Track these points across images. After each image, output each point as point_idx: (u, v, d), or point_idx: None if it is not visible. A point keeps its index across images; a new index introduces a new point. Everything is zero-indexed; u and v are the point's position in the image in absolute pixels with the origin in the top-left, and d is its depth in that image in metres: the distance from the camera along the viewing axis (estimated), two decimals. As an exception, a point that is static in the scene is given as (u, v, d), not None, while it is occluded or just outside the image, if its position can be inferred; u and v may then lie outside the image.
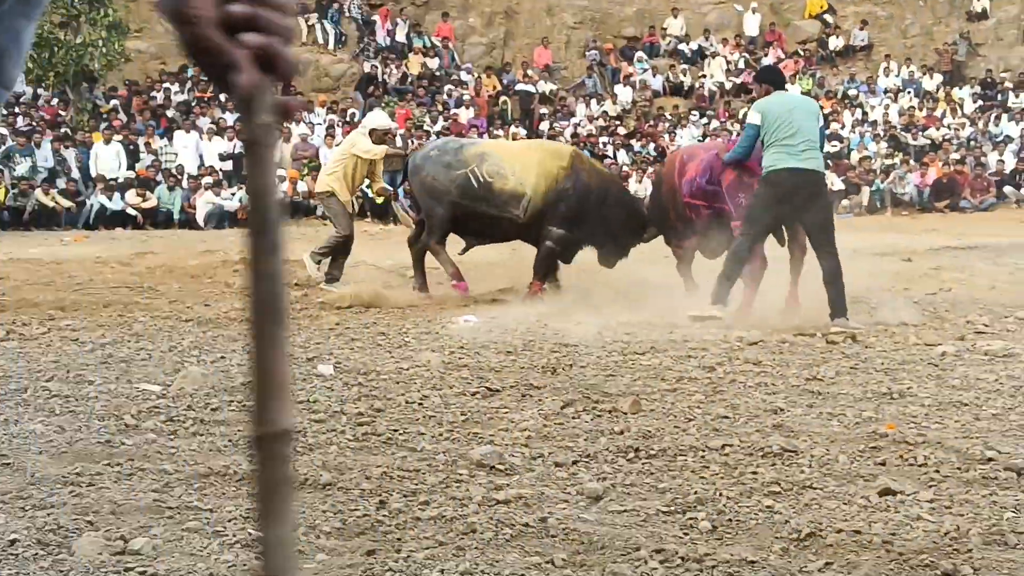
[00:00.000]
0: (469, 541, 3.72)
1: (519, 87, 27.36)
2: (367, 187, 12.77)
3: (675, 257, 10.39)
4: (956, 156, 23.05)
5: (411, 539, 3.75)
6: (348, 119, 24.94)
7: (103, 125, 23.08)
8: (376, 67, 26.92)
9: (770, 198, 8.48)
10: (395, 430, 5.28)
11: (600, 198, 10.41)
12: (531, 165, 10.32)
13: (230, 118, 23.87)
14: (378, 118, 12.04)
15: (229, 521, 3.94)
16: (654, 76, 28.16)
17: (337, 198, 11.23)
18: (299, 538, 3.79)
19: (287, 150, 23.29)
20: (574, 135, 25.66)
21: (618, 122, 25.90)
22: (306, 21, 27.86)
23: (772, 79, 9.15)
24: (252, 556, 3.61)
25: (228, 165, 22.51)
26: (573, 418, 5.57)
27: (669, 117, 26.17)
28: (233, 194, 21.13)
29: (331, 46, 27.84)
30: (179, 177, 21.23)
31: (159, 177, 21.40)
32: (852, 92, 27.54)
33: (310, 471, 4.55)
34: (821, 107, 25.73)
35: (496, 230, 10.63)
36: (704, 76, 28.41)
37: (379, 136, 11.26)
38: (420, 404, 5.86)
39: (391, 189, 13.33)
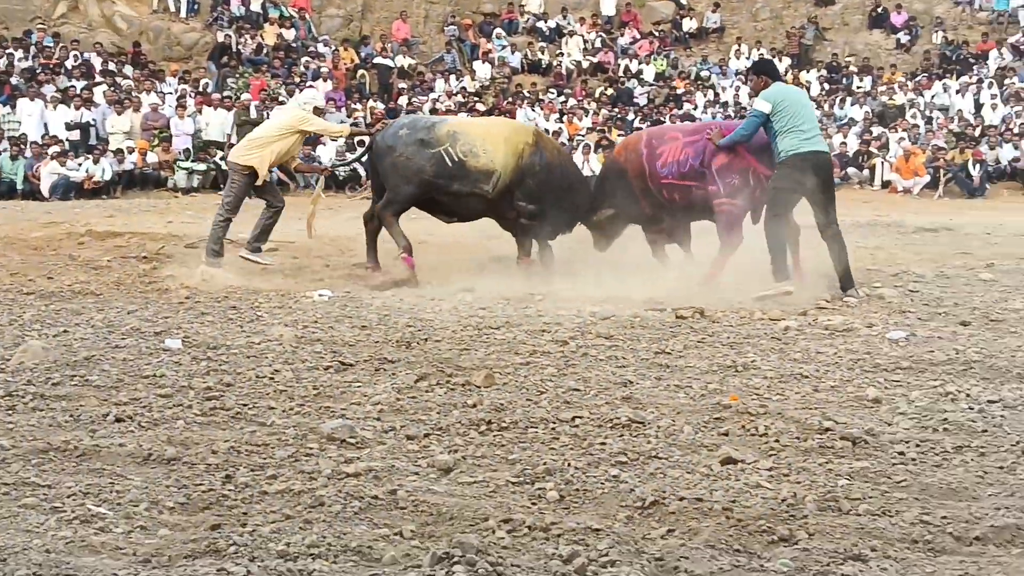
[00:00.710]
0: (316, 514, 3.70)
1: (377, 61, 27.10)
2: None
3: (649, 242, 10.48)
4: (803, 137, 23.72)
5: (257, 513, 3.71)
6: (201, 89, 24.33)
7: (-60, 91, 22.04)
8: (230, 37, 26.29)
9: (795, 178, 8.99)
10: (244, 405, 5.21)
11: (561, 174, 10.57)
12: (499, 142, 10.31)
13: (78, 86, 23.06)
14: (317, 96, 11.66)
15: (68, 497, 3.83)
16: (512, 53, 28.24)
17: (250, 177, 10.47)
18: (141, 513, 3.71)
19: (137, 120, 22.59)
20: (433, 110, 25.55)
21: (477, 98, 25.91)
22: (157, -13, 27.11)
23: (771, 71, 9.69)
24: (91, 532, 3.52)
25: (75, 135, 21.72)
26: (426, 391, 5.57)
27: (527, 94, 26.30)
28: (80, 164, 20.42)
29: (183, 14, 27.09)
30: (22, 146, 20.41)
31: (2, 145, 20.54)
32: (705, 74, 28.10)
33: (154, 446, 4.46)
34: (674, 87, 26.09)
35: (464, 207, 10.63)
36: (562, 54, 28.62)
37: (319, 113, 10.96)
38: (271, 379, 5.78)
39: (324, 164, 12.43)
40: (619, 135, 22.77)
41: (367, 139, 10.79)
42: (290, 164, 11.24)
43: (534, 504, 3.88)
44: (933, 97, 25.87)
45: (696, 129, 10.37)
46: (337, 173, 22.09)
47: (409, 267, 10.04)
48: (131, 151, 21.30)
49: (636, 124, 23.36)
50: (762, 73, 9.67)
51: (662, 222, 10.19)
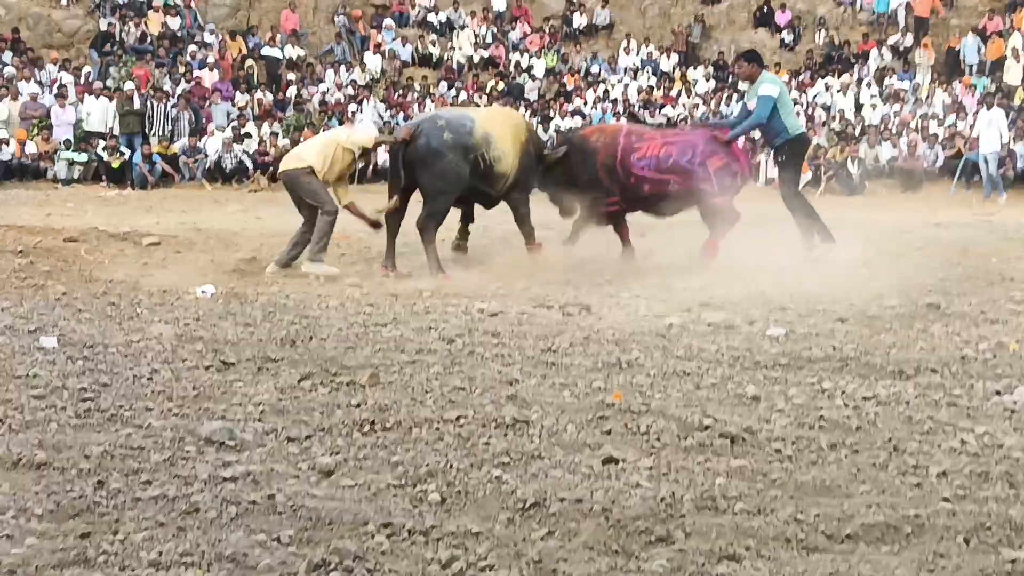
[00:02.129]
0: (191, 521, 3.62)
1: (265, 51, 26.71)
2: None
3: (590, 217, 10.89)
4: (690, 134, 24.07)
5: (129, 520, 3.62)
6: (82, 78, 23.69)
7: None
8: (113, 24, 25.65)
9: (802, 154, 10.95)
10: (120, 406, 5.08)
11: (537, 159, 10.81)
12: (512, 143, 10.30)
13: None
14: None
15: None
16: (403, 46, 28.09)
17: (316, 176, 10.06)
18: (8, 522, 3.59)
19: (15, 109, 21.92)
20: (323, 102, 25.30)
21: (367, 91, 25.70)
22: (36, -28, 26.30)
23: (760, 60, 11.03)
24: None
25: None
26: (310, 391, 5.50)
27: (418, 87, 26.19)
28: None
29: (64, 1, 26.36)
30: None
31: None
32: (595, 69, 28.32)
33: (24, 450, 4.32)
34: (564, 83, 26.22)
35: (468, 205, 10.75)
36: (453, 48, 28.56)
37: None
38: (149, 379, 5.65)
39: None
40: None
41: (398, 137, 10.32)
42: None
43: (415, 507, 3.86)
44: (815, 96, 26.46)
45: (675, 133, 11.60)
46: (223, 165, 21.76)
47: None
48: (8, 141, 20.66)
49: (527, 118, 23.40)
50: (753, 61, 10.84)
51: (604, 203, 10.72)
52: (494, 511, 3.83)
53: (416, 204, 10.26)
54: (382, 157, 19.33)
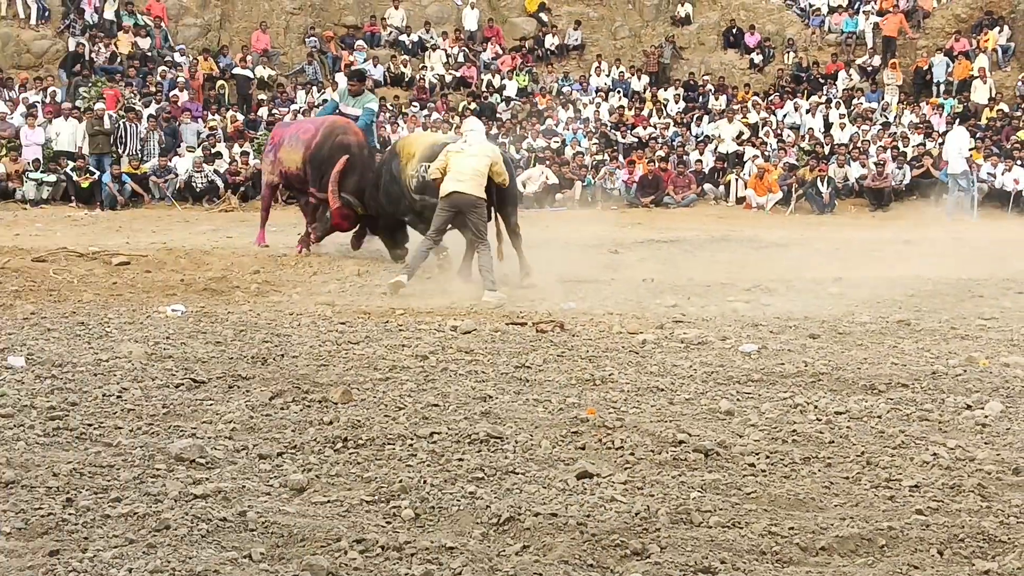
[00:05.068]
0: (161, 538, 3.58)
1: (236, 71, 26.63)
2: None
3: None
4: (661, 154, 24.16)
5: (99, 538, 3.57)
6: (50, 98, 23.53)
7: None
8: (83, 45, 25.48)
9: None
10: (89, 424, 5.03)
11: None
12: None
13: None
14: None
15: None
16: (375, 66, 28.07)
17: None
18: (-25, 542, 3.54)
19: (-17, 129, 21.76)
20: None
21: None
22: (6, -8, 26.12)
23: (363, 78, 13.09)
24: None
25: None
26: (282, 409, 5.47)
27: (390, 107, 26.18)
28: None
29: (33, 20, 26.18)
30: None
31: None
32: (566, 90, 28.39)
33: (-9, 469, 4.26)
34: (536, 103, 26.29)
35: None
36: (424, 68, 28.58)
37: None
38: (118, 397, 5.59)
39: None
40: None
41: None
42: None
43: (388, 523, 3.83)
44: (785, 116, 26.64)
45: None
46: (194, 184, 21.67)
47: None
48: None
49: (500, 139, 23.44)
50: (360, 80, 13.02)
51: None
52: (468, 526, 3.81)
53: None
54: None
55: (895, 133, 24.91)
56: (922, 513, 4.03)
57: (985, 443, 5.01)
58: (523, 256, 10.72)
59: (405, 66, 28.52)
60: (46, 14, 26.36)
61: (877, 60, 28.37)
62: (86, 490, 4.06)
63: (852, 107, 26.68)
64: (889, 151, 23.70)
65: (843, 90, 27.58)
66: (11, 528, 3.66)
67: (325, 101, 13.97)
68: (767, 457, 4.71)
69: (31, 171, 20.99)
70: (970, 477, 4.46)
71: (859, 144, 24.30)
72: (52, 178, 21.06)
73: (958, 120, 23.93)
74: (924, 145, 23.88)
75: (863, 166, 23.40)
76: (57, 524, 3.71)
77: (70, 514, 3.79)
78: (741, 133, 25.15)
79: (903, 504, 4.15)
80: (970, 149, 22.50)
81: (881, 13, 29.11)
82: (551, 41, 30.15)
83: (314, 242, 12.81)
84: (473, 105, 26.75)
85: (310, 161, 12.50)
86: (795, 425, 5.22)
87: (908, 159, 23.50)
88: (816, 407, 5.62)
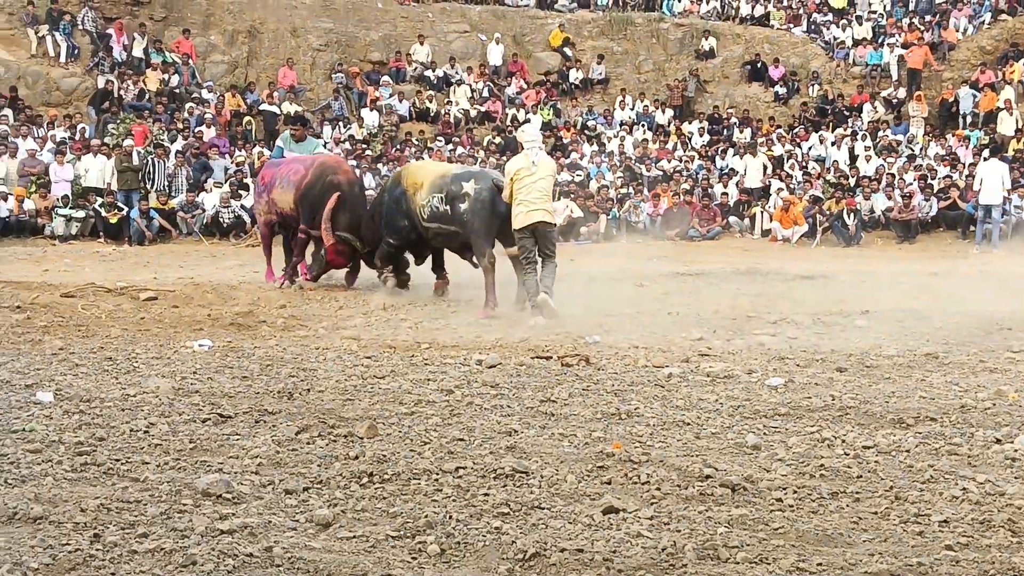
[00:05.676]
0: (188, 574, 3.58)
1: (263, 107, 26.89)
2: None
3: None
4: (686, 187, 24.18)
5: (126, 574, 3.58)
6: (79, 134, 23.81)
7: None
8: (112, 82, 25.82)
9: None
10: (117, 460, 5.04)
11: None
12: None
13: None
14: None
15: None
16: (400, 101, 28.28)
17: None
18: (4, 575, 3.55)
19: (13, 166, 21.99)
20: (320, 158, 25.34)
21: (365, 146, 25.83)
22: (36, 32, 26.48)
23: (307, 124, 12.95)
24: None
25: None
26: (307, 444, 5.47)
27: (415, 142, 26.34)
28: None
29: (63, 59, 26.55)
30: None
31: None
32: (591, 124, 28.51)
33: (20, 504, 4.28)
34: (561, 137, 26.36)
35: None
36: (450, 103, 28.76)
37: None
38: (146, 432, 5.62)
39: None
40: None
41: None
42: None
43: (414, 559, 3.82)
44: (810, 148, 26.63)
45: None
46: (221, 219, 21.82)
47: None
48: (7, 197, 20.72)
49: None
50: (303, 125, 13.58)
51: None
52: (494, 562, 3.79)
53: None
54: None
55: (921, 165, 24.84)
56: (952, 549, 3.99)
57: (1015, 477, 4.95)
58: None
59: (430, 101, 28.72)
60: (75, 52, 26.72)
61: (902, 92, 28.34)
62: (113, 525, 4.07)
63: (878, 139, 26.64)
64: (916, 183, 23.62)
65: (868, 122, 27.55)
66: (39, 564, 3.67)
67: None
68: (795, 492, 4.68)
69: (60, 207, 21.20)
70: (1000, 512, 4.41)
71: (885, 176, 24.23)
72: (81, 214, 21.25)
73: (989, 152, 23.78)
74: (951, 177, 23.80)
75: (889, 198, 23.33)
76: (84, 560, 3.72)
77: (97, 550, 3.80)
78: (765, 167, 25.13)
79: (932, 539, 4.11)
80: (1014, 183, 22.32)
81: (906, 45, 29.12)
82: (575, 75, 30.31)
83: (310, 280, 13.10)
84: (498, 139, 26.88)
85: (300, 201, 12.81)
86: (823, 459, 5.18)
87: (935, 191, 23.41)
88: (844, 441, 5.58)
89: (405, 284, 12.54)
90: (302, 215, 12.80)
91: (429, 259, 12.51)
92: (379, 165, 24.89)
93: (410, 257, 12.62)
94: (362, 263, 12.96)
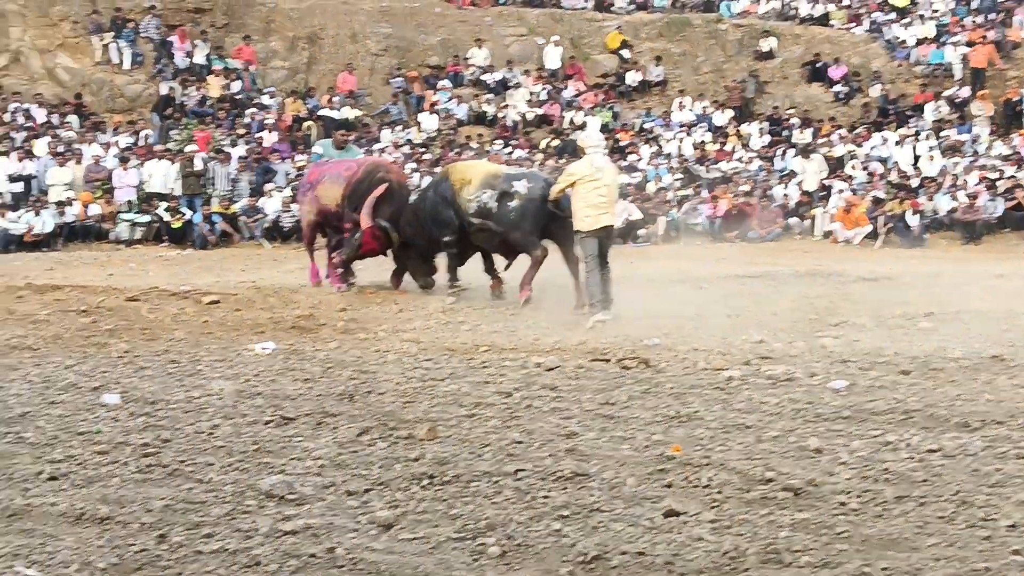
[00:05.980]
0: (252, 574, 3.63)
1: (323, 112, 27.10)
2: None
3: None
4: (745, 188, 23.98)
5: (191, 574, 3.63)
6: (143, 140, 24.16)
7: None
8: (175, 89, 26.17)
9: None
10: (182, 461, 5.12)
11: None
12: None
13: (18, 138, 22.84)
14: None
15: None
16: (458, 105, 28.36)
17: None
18: (72, 575, 3.62)
19: (79, 172, 22.38)
20: (379, 161, 25.50)
21: (423, 149, 25.94)
22: (100, 40, 26.91)
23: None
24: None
25: (17, 187, 21.49)
26: (368, 445, 5.51)
27: (473, 146, 26.40)
28: (19, 217, 20.20)
29: (126, 66, 26.96)
30: (-37, 198, 20.18)
31: (-60, 197, 20.29)
32: (648, 125, 28.37)
33: (88, 505, 4.36)
34: (619, 139, 26.26)
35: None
36: (507, 106, 28.78)
37: None
38: (210, 434, 5.69)
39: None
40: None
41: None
42: None
43: (475, 560, 3.83)
44: (872, 149, 26.29)
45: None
46: (282, 224, 22.04)
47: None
48: (72, 203, 21.09)
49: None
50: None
51: None
52: (555, 564, 3.79)
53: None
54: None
55: (985, 165, 24.43)
56: (1019, 553, 3.93)
57: (1085, 482, 4.86)
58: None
59: (488, 104, 28.76)
60: (139, 59, 27.11)
61: (966, 91, 27.90)
62: (179, 526, 4.13)
63: (941, 139, 26.25)
64: (981, 183, 23.23)
65: (931, 122, 27.16)
66: (106, 564, 3.74)
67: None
68: (858, 496, 4.63)
69: (124, 212, 21.54)
70: (1070, 517, 4.33)
71: (949, 176, 23.87)
72: (145, 219, 21.57)
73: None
74: (1016, 177, 23.37)
75: (953, 198, 22.98)
76: (150, 560, 3.78)
77: (163, 550, 3.86)
78: (825, 169, 24.86)
79: (1000, 544, 4.05)
80: None
81: (970, 44, 28.67)
82: (633, 77, 30.19)
83: (337, 265, 13.07)
84: (556, 143, 26.87)
85: (349, 196, 12.75)
86: (887, 463, 5.12)
87: (1000, 192, 23.01)
88: (908, 445, 5.51)
89: (430, 286, 12.66)
90: (346, 209, 12.81)
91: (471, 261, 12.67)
92: (438, 169, 24.98)
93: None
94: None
